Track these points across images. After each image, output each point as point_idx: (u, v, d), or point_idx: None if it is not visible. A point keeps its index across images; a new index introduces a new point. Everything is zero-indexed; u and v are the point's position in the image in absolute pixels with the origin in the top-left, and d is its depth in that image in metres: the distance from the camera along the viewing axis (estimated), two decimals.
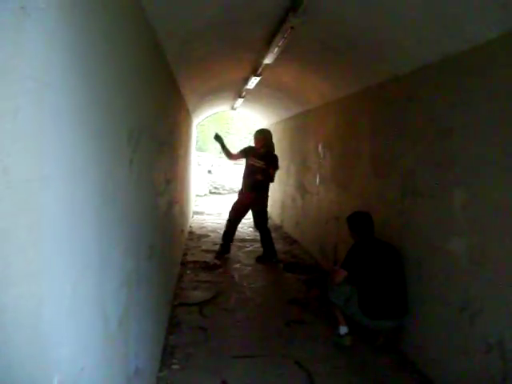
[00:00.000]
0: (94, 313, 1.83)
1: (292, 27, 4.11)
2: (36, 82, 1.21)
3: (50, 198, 1.31)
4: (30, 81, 1.17)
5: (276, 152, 7.97)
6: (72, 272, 1.54)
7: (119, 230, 2.30)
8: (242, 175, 8.09)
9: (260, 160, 7.68)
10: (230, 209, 8.21)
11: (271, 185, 8.10)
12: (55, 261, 1.36)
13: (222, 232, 8.40)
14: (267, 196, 8.05)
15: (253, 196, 7.83)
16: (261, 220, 8.01)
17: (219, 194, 18.42)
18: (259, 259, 7.88)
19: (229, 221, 8.11)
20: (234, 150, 8.46)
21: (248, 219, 8.88)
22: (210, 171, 19.59)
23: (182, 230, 7.84)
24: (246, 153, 7.99)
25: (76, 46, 1.57)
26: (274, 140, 8.08)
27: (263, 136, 7.90)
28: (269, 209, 8.21)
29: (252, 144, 8.17)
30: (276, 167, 7.77)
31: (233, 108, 12.45)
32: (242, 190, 8.12)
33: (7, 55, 1.06)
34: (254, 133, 8.16)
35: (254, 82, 7.26)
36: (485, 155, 3.21)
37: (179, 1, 3.40)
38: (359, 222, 4.58)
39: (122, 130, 2.35)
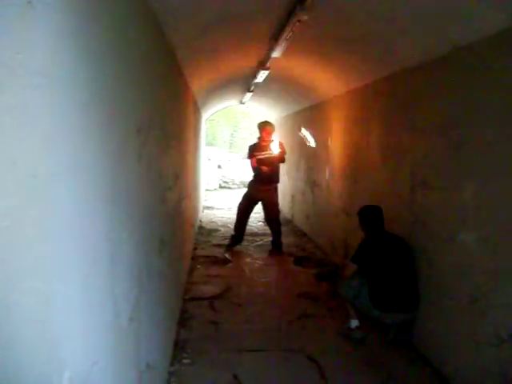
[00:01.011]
0: (105, 308, 1.83)
1: (299, 21, 4.08)
2: (44, 77, 1.21)
3: (60, 193, 1.31)
4: (38, 76, 1.17)
5: (285, 146, 8.07)
6: (82, 267, 1.54)
7: (129, 225, 2.31)
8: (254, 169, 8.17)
9: (267, 150, 7.78)
10: (240, 200, 8.32)
11: (281, 177, 8.16)
12: (65, 256, 1.36)
13: (232, 226, 8.45)
14: (277, 188, 8.18)
15: (264, 188, 7.92)
16: (273, 214, 8.07)
17: (229, 188, 18.42)
18: (272, 252, 7.95)
19: (238, 213, 8.21)
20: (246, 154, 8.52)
21: (258, 213, 8.87)
22: (219, 166, 19.60)
23: (192, 225, 7.85)
24: (252, 151, 8.04)
25: (84, 39, 1.57)
26: (284, 134, 8.16)
27: (273, 127, 8.11)
28: (279, 202, 8.25)
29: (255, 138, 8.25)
30: (283, 156, 7.93)
31: (241, 102, 12.42)
32: (252, 182, 8.25)
33: (15, 50, 1.06)
34: (260, 123, 8.23)
35: (262, 75, 7.23)
36: (495, 146, 3.18)
37: None
38: (370, 215, 4.57)
39: (131, 124, 2.35)
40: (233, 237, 8.21)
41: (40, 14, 1.19)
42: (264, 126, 8.03)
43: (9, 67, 1.03)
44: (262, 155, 7.77)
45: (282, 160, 7.97)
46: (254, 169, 7.96)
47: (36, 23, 1.17)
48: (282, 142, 8.26)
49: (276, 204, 8.14)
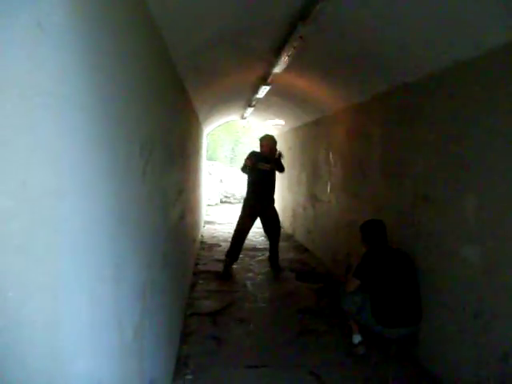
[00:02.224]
0: (110, 325, 1.84)
1: (301, 36, 4.12)
2: (52, 97, 1.22)
3: (67, 211, 1.32)
4: (46, 96, 1.19)
5: (287, 160, 7.92)
6: (88, 284, 1.54)
7: (134, 241, 2.31)
8: (250, 183, 7.85)
9: (267, 163, 7.61)
10: (238, 220, 7.90)
11: (282, 192, 8.03)
12: (72, 274, 1.37)
13: None
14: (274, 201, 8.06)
15: (265, 203, 7.79)
16: (278, 227, 7.96)
17: (230, 203, 18.40)
18: (274, 267, 7.91)
19: (238, 233, 7.84)
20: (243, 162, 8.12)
21: (259, 228, 8.82)
22: (221, 180, 19.61)
23: (194, 240, 7.84)
24: (253, 158, 7.67)
25: (90, 60, 1.59)
26: (285, 149, 8.04)
27: (274, 141, 7.85)
28: (280, 218, 8.17)
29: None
30: (282, 166, 7.81)
31: (243, 117, 12.46)
32: (248, 198, 7.90)
33: (24, 71, 1.08)
34: (261, 137, 7.94)
35: (263, 90, 7.27)
36: (497, 160, 3.19)
37: (189, 12, 3.43)
38: (372, 230, 4.56)
39: (135, 141, 2.36)
40: (228, 255, 7.73)
41: (49, 34, 1.21)
42: (263, 141, 7.81)
43: (19, 88, 1.04)
44: (266, 167, 7.57)
45: (279, 167, 7.78)
46: (248, 168, 7.62)
47: (44, 44, 1.19)
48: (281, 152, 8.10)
49: (278, 217, 8.04)
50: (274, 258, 7.98)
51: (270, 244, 8.09)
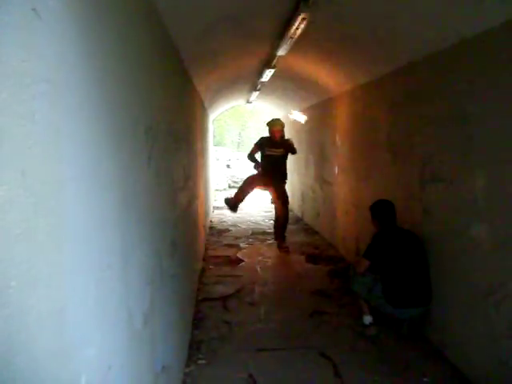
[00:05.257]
0: (119, 311, 1.84)
1: (304, 18, 4.07)
2: (50, 85, 1.21)
3: (70, 199, 1.31)
4: (44, 83, 1.17)
5: (295, 144, 8.06)
6: (95, 271, 1.54)
7: (141, 228, 2.31)
8: (263, 167, 8.16)
9: (278, 148, 7.79)
10: (245, 178, 8.44)
11: (291, 175, 8.14)
12: (77, 261, 1.37)
13: (242, 226, 8.41)
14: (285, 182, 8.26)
15: (275, 184, 7.99)
16: (284, 196, 8.13)
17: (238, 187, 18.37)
18: (281, 246, 7.99)
19: (247, 183, 8.28)
20: (251, 147, 8.48)
21: (269, 211, 8.82)
22: (228, 165, 19.61)
23: (203, 225, 7.86)
24: (261, 145, 8.05)
25: (89, 46, 1.57)
26: (292, 132, 8.09)
27: (282, 126, 8.01)
28: (289, 200, 8.24)
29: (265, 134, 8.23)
30: (294, 150, 8.06)
31: (248, 101, 12.41)
32: (258, 174, 8.26)
33: (20, 58, 1.06)
34: (270, 122, 8.14)
35: (268, 74, 7.23)
36: (504, 138, 3.15)
37: None
38: (382, 210, 4.56)
39: (139, 127, 2.35)
40: (235, 199, 8.30)
41: (44, 20, 1.18)
42: (272, 125, 7.98)
43: (15, 76, 1.03)
44: (276, 152, 7.81)
45: (293, 152, 8.05)
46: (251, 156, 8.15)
47: (40, 30, 1.17)
48: (291, 138, 8.26)
49: (285, 192, 8.19)
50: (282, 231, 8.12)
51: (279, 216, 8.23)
